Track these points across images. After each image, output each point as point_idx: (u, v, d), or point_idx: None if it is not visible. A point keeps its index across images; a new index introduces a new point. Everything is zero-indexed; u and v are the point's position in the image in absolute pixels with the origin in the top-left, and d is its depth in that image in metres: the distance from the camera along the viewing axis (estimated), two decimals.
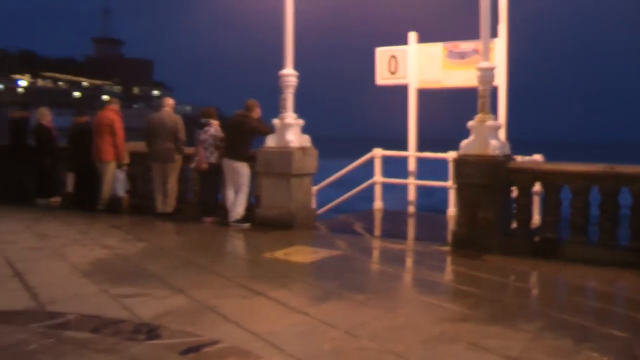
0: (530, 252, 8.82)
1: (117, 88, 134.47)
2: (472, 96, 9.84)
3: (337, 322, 5.67)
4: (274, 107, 11.84)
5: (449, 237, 9.89)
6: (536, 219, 10.10)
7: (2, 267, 8.00)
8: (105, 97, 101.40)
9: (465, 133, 9.51)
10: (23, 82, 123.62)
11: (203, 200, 12.05)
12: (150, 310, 6.01)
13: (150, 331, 5.38)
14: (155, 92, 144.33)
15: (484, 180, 9.09)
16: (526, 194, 9.25)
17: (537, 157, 12.37)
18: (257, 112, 11.64)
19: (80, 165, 13.40)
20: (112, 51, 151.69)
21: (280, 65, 11.54)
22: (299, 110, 11.64)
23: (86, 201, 13.33)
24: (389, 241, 10.50)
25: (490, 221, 9.04)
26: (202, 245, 9.98)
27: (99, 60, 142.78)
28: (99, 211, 12.84)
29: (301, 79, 11.64)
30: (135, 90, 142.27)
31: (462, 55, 13.16)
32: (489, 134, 9.29)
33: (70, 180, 13.75)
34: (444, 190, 13.81)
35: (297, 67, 11.53)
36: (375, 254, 9.76)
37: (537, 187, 9.63)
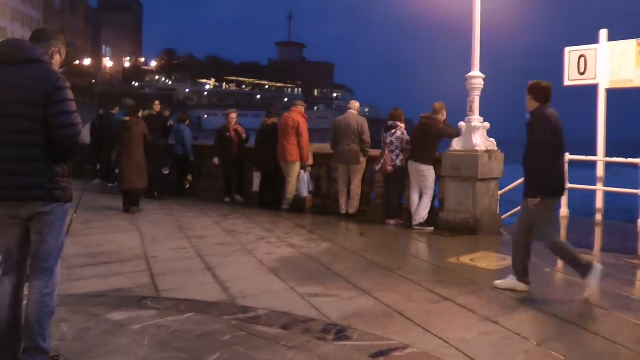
0: None
1: (298, 90, 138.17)
2: None
3: (528, 333, 5.54)
4: (456, 110, 11.76)
5: None
6: None
7: (195, 260, 8.51)
8: (285, 100, 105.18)
9: None
10: (208, 86, 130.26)
11: (387, 202, 12.12)
12: (338, 311, 6.12)
13: (339, 332, 5.47)
14: (336, 94, 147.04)
15: None
16: None
17: None
18: (443, 115, 11.59)
19: (266, 165, 13.92)
20: (294, 55, 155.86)
21: (461, 68, 11.42)
22: (484, 112, 11.49)
23: (271, 201, 13.86)
24: (576, 251, 10.08)
25: None
26: (386, 248, 10.03)
27: (282, 64, 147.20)
28: (283, 210, 13.28)
29: (487, 80, 11.46)
30: (316, 92, 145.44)
31: None
32: None
33: (256, 180, 14.27)
34: (634, 198, 13.09)
35: (484, 68, 11.36)
36: (562, 263, 9.41)
37: None
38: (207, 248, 9.27)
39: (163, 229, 10.97)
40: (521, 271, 7.13)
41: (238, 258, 8.75)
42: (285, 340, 5.21)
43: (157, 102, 16.88)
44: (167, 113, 16.94)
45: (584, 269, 6.94)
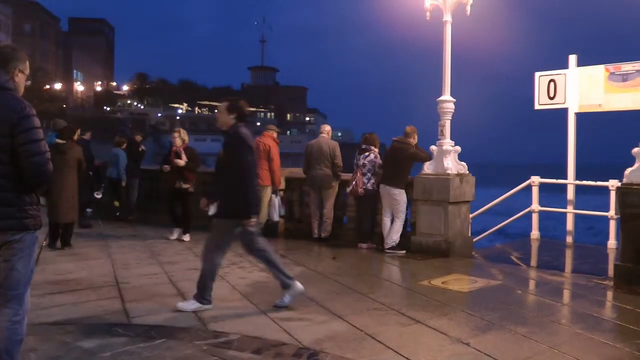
0: None
1: (271, 115, 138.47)
2: (635, 120, 9.45)
3: (500, 355, 5.57)
4: (427, 134, 11.86)
5: (611, 271, 9.49)
6: None
7: (166, 285, 8.45)
8: (258, 124, 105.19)
9: (628, 159, 9.12)
10: (181, 110, 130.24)
11: (359, 226, 12.17)
12: (310, 335, 6.12)
13: (311, 356, 5.47)
14: (309, 118, 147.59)
15: None
16: None
17: None
18: (415, 139, 11.69)
19: None
20: (267, 79, 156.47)
21: (433, 92, 11.54)
22: (457, 135, 11.61)
23: None
24: (547, 272, 10.20)
25: None
26: (359, 271, 10.05)
27: (255, 88, 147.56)
28: None
29: (458, 103, 11.59)
30: (289, 116, 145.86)
31: (625, 78, 12.69)
32: None
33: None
34: (604, 220, 13.26)
35: (454, 92, 11.50)
36: (534, 285, 9.50)
37: None
38: (179, 273, 9.21)
39: (135, 254, 10.88)
40: (205, 291, 7.12)
41: None
42: None
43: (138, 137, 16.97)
44: (138, 138, 16.90)
45: (288, 282, 7.25)
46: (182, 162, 12.57)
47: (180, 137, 12.93)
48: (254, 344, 5.76)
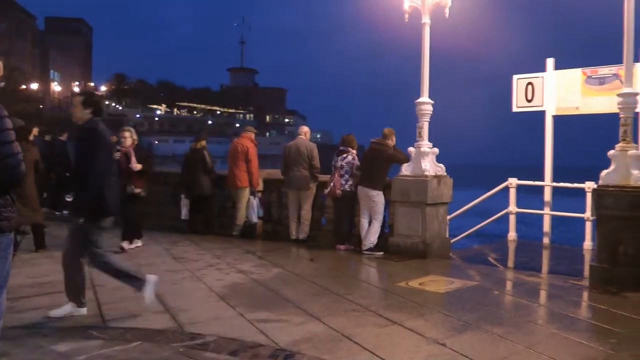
0: None
1: (250, 116, 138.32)
2: (611, 123, 9.53)
3: (476, 355, 5.59)
4: (405, 135, 11.90)
5: (587, 272, 9.57)
6: None
7: None
8: (237, 125, 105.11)
9: (604, 162, 9.20)
10: (159, 112, 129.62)
11: (337, 228, 12.18)
12: (287, 336, 6.10)
13: (288, 357, 5.47)
14: (288, 120, 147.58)
15: (626, 212, 8.73)
16: None
17: None
18: (393, 140, 11.72)
19: (194, 191, 13.73)
20: (246, 80, 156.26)
21: (415, 94, 11.58)
22: (435, 137, 11.64)
23: (203, 229, 13.77)
24: (524, 273, 10.26)
25: (631, 256, 8.66)
26: (336, 273, 10.07)
27: (234, 89, 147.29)
28: (233, 237, 13.22)
29: (437, 105, 11.63)
30: (268, 118, 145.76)
31: (602, 81, 12.84)
32: (632, 164, 8.92)
33: (184, 208, 13.96)
34: (580, 222, 13.38)
35: (433, 94, 11.55)
36: (511, 286, 9.56)
37: None
38: (156, 275, 9.15)
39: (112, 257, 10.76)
40: (77, 296, 6.90)
41: (187, 285, 8.68)
42: None
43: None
44: (114, 138, 16.76)
45: (138, 283, 6.94)
46: (138, 166, 11.60)
47: (131, 137, 11.82)
48: (231, 346, 5.74)
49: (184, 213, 13.90)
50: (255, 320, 6.69)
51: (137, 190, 11.76)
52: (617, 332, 6.50)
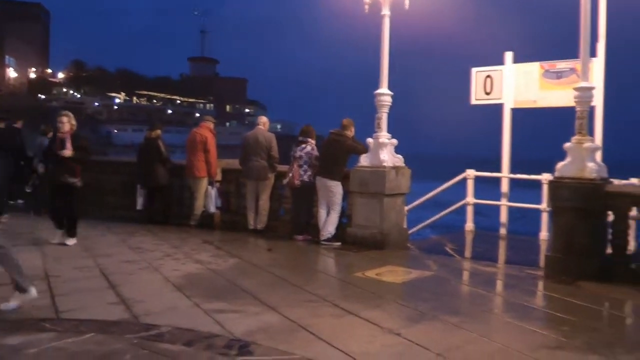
0: (626, 279, 8.51)
1: (210, 106, 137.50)
2: (568, 117, 9.65)
3: (431, 344, 5.62)
4: (367, 127, 11.90)
5: (542, 262, 9.69)
6: (632, 245, 9.75)
7: (98, 279, 8.27)
8: (197, 115, 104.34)
9: (561, 154, 9.31)
10: (118, 100, 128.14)
11: (295, 218, 12.16)
12: (242, 327, 6.08)
13: (243, 347, 5.44)
14: (249, 110, 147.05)
15: (581, 204, 8.86)
16: (623, 219, 8.96)
17: (635, 181, 12.06)
18: (352, 131, 11.71)
19: (149, 181, 13.65)
20: (207, 70, 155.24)
21: (375, 85, 11.58)
22: (394, 129, 11.66)
23: (158, 217, 13.69)
24: (480, 263, 10.38)
25: (585, 247, 8.80)
26: (294, 263, 10.09)
27: (195, 79, 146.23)
28: (191, 227, 13.14)
29: (396, 97, 11.66)
30: (228, 108, 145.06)
31: (559, 75, 13.00)
32: (587, 156, 9.05)
33: (139, 198, 13.88)
34: (537, 213, 13.57)
35: (392, 86, 11.56)
36: (468, 276, 9.65)
37: (633, 212, 9.32)
38: (112, 266, 9.04)
39: (67, 247, 10.61)
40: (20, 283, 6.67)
41: (143, 275, 8.59)
42: (188, 357, 5.15)
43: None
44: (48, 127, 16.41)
45: (24, 285, 6.66)
46: (68, 152, 10.61)
47: (69, 122, 10.83)
48: (186, 336, 5.69)
49: (140, 203, 13.80)
50: (211, 311, 6.66)
51: (72, 180, 10.76)
52: (570, 320, 6.60)
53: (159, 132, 14.02)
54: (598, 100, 11.83)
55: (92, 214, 14.22)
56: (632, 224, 9.78)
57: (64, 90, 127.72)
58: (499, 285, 8.97)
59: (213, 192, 13.16)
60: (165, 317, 6.39)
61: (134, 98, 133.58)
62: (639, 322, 7.37)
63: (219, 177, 13.50)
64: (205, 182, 13.09)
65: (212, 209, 13.22)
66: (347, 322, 6.42)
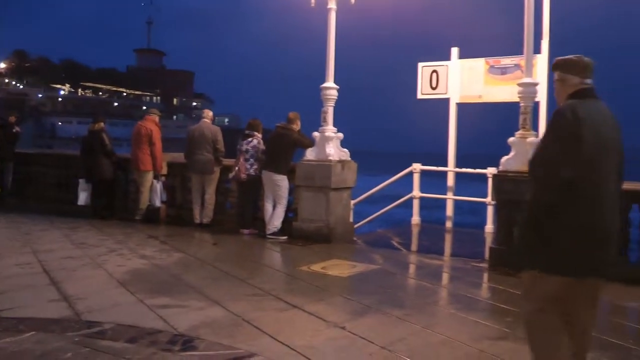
0: None
1: (156, 99, 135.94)
2: (512, 112, 9.77)
3: (375, 337, 5.63)
4: (314, 121, 11.89)
5: (487, 254, 9.81)
6: None
7: (39, 275, 8.09)
8: (144, 108, 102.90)
9: (506, 149, 9.43)
10: (63, 92, 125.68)
11: (241, 212, 12.09)
12: (186, 322, 6.03)
13: (186, 342, 5.38)
14: (195, 104, 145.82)
15: (524, 197, 8.96)
16: None
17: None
18: (298, 125, 11.68)
19: (93, 175, 13.44)
20: (154, 62, 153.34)
21: (322, 79, 11.57)
22: (340, 123, 11.67)
23: (103, 211, 13.47)
24: (426, 256, 10.45)
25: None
26: (239, 258, 10.02)
27: (141, 71, 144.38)
28: (136, 221, 12.97)
29: (342, 92, 11.66)
30: (175, 101, 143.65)
31: (504, 71, 13.13)
32: (530, 151, 9.15)
33: (82, 193, 13.64)
34: (482, 206, 13.75)
35: (338, 81, 11.55)
36: (413, 269, 9.71)
37: None
38: (54, 262, 8.85)
39: (7, 243, 10.36)
40: None
41: (87, 272, 8.41)
42: (131, 354, 5.05)
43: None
44: (12, 119, 16.12)
45: None
46: None
47: None
48: (129, 333, 5.60)
49: (82, 198, 13.53)
50: (155, 306, 6.58)
51: None
52: (513, 311, 6.66)
53: (102, 124, 13.74)
54: (542, 96, 11.98)
55: (35, 208, 13.95)
56: None
57: (6, 81, 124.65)
58: (445, 277, 9.05)
59: (159, 186, 13.02)
60: (109, 314, 6.29)
61: (79, 90, 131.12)
62: None
63: (164, 170, 13.34)
64: (150, 175, 12.93)
65: (158, 203, 13.07)
66: (292, 316, 6.40)
